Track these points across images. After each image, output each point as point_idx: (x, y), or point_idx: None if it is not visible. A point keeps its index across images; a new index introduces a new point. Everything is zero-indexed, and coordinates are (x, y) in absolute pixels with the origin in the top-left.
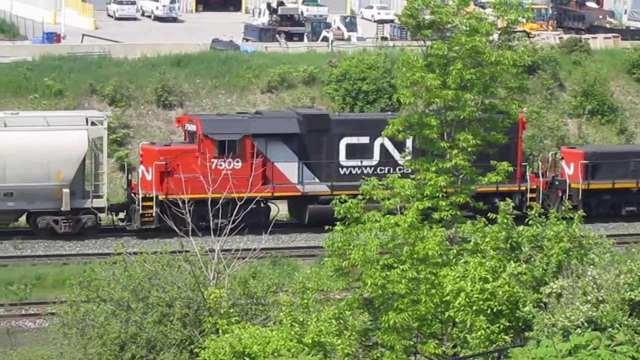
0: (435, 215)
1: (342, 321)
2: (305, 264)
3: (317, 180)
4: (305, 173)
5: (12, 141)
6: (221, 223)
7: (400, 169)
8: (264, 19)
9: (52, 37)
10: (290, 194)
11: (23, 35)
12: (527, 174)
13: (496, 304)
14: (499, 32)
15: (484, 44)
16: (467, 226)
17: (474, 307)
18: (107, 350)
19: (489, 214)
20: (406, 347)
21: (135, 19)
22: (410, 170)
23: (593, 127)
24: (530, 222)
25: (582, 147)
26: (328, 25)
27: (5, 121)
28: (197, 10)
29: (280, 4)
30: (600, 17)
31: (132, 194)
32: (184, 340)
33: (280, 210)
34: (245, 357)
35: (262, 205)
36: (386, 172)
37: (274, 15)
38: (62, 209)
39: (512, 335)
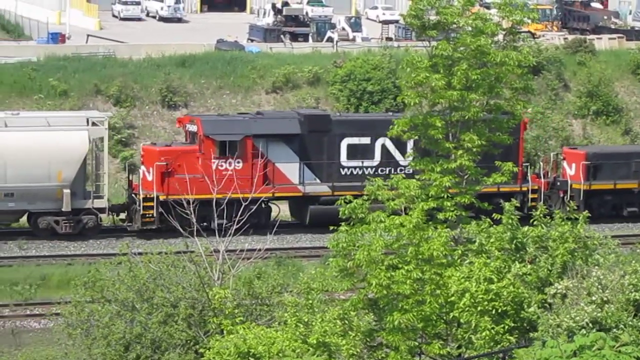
0: (440, 216)
1: (346, 322)
2: (310, 265)
3: (318, 180)
4: (306, 173)
5: (13, 141)
6: (222, 223)
7: (401, 170)
8: (268, 20)
9: (57, 38)
10: (291, 195)
11: (28, 35)
12: (529, 174)
13: (501, 304)
14: (503, 32)
15: (489, 44)
16: (472, 227)
17: (479, 308)
18: (111, 350)
19: (493, 215)
20: (411, 347)
21: (140, 19)
22: (411, 171)
23: (598, 128)
24: (535, 222)
25: (584, 147)
26: (333, 26)
27: (6, 121)
28: (201, 10)
29: (285, 4)
30: (605, 17)
31: (133, 195)
32: (188, 341)
33: (281, 211)
34: (250, 358)
35: (263, 205)
36: (387, 172)
37: (279, 16)
38: (62, 209)
39: (516, 335)
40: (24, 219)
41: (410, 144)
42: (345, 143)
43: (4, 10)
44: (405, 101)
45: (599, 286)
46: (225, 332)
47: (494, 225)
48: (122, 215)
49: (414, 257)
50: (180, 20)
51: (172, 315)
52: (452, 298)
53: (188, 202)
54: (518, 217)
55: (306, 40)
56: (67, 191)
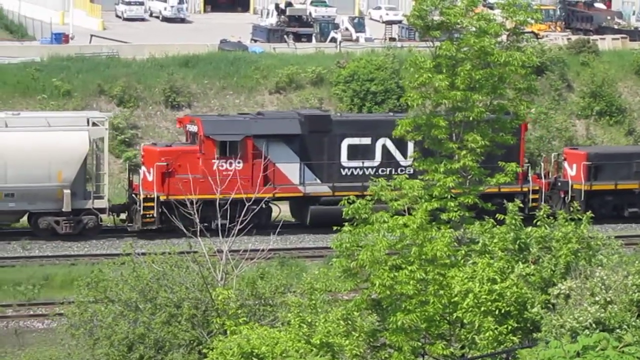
0: (444, 216)
1: (350, 322)
2: (313, 265)
3: (318, 181)
4: (307, 174)
5: (13, 142)
6: (224, 224)
7: (402, 170)
8: (272, 20)
9: (60, 38)
10: (291, 195)
11: (31, 35)
12: (529, 175)
13: (504, 305)
14: (507, 33)
15: (493, 45)
16: (476, 227)
17: (482, 308)
18: (114, 350)
19: (497, 215)
20: (414, 348)
21: (143, 19)
22: (412, 171)
23: (601, 128)
24: (538, 223)
25: (585, 148)
26: (336, 26)
27: (6, 122)
28: (205, 11)
29: (289, 4)
30: (609, 18)
31: (134, 195)
32: (192, 341)
33: (281, 211)
34: (253, 358)
35: (263, 206)
36: (388, 173)
37: (282, 16)
38: (63, 209)
39: (520, 336)
40: (25, 219)
41: (411, 145)
42: (345, 143)
43: (7, 10)
44: (409, 102)
45: (602, 287)
46: (228, 332)
47: (497, 226)
48: (123, 216)
49: (418, 257)
50: (184, 21)
51: (175, 316)
52: (456, 298)
53: (191, 203)
54: (521, 217)
55: (309, 40)
56: (67, 191)
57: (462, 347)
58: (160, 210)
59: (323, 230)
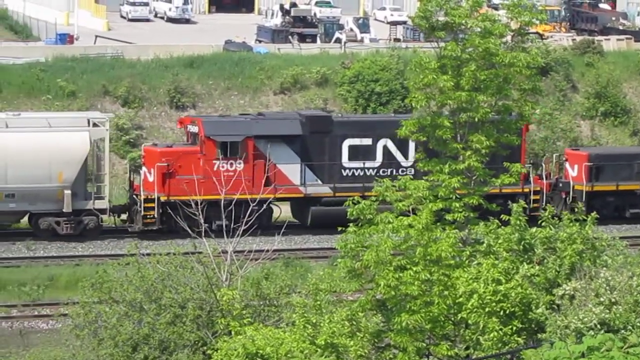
0: (449, 217)
1: (354, 323)
2: (318, 266)
3: (319, 181)
4: (308, 175)
5: (13, 142)
6: (225, 224)
7: (403, 171)
8: (276, 21)
9: (65, 38)
10: (292, 196)
11: (36, 36)
12: (531, 176)
13: (509, 305)
14: (512, 33)
15: (498, 45)
16: (480, 228)
17: (487, 309)
18: (119, 351)
19: (502, 216)
20: (419, 348)
21: (148, 20)
22: (413, 172)
23: (606, 129)
24: (543, 223)
25: (586, 149)
26: (341, 27)
27: (7, 122)
28: (210, 11)
29: (293, 5)
30: (613, 18)
31: (134, 196)
32: (196, 342)
33: (282, 212)
34: (258, 359)
35: (264, 206)
36: (389, 173)
37: (287, 17)
38: (63, 210)
39: (524, 337)
40: (26, 219)
41: (412, 146)
42: (346, 144)
43: (12, 11)
44: (413, 103)
45: (607, 287)
46: (233, 333)
47: (502, 227)
48: (124, 216)
49: (422, 258)
50: (189, 21)
51: (180, 316)
52: (460, 299)
53: (196, 204)
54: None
55: (314, 41)
56: (68, 192)
57: (467, 348)
58: (160, 210)
59: (327, 230)
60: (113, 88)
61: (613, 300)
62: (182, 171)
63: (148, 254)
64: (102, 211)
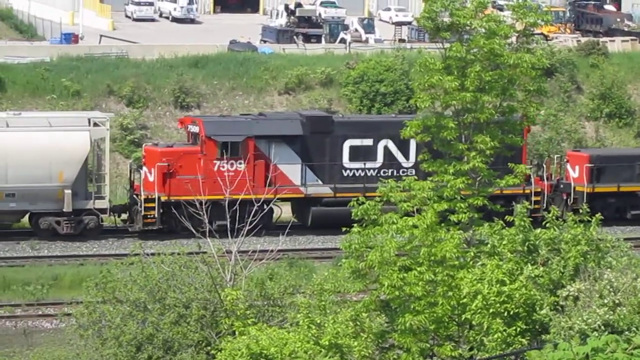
0: (453, 218)
1: (358, 323)
2: (322, 266)
3: (320, 182)
4: (308, 175)
5: (14, 142)
6: (226, 225)
7: (403, 171)
8: (281, 21)
9: (70, 38)
10: (293, 196)
11: (41, 35)
12: (532, 177)
13: (513, 306)
14: (517, 34)
15: (502, 46)
16: (485, 229)
17: (491, 310)
18: (123, 351)
19: (506, 217)
20: (422, 349)
21: (153, 20)
22: (414, 173)
23: (610, 130)
24: (547, 224)
25: (587, 150)
26: (346, 27)
27: (7, 122)
28: (214, 11)
29: (298, 5)
30: (618, 20)
31: (135, 195)
32: (200, 342)
33: (282, 212)
34: (262, 359)
35: (264, 207)
36: (390, 174)
37: (292, 17)
38: (64, 210)
39: (528, 338)
40: (26, 219)
41: (413, 146)
42: (347, 145)
43: (17, 10)
44: (418, 103)
45: (611, 289)
46: (237, 333)
47: (506, 227)
48: (124, 216)
49: (427, 258)
50: (193, 21)
51: (184, 316)
52: (464, 300)
53: (200, 204)
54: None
55: (319, 41)
56: (68, 192)
57: (471, 349)
58: (161, 210)
59: (332, 231)
60: (118, 88)
61: (617, 301)
62: (183, 171)
63: (152, 254)
64: (103, 211)
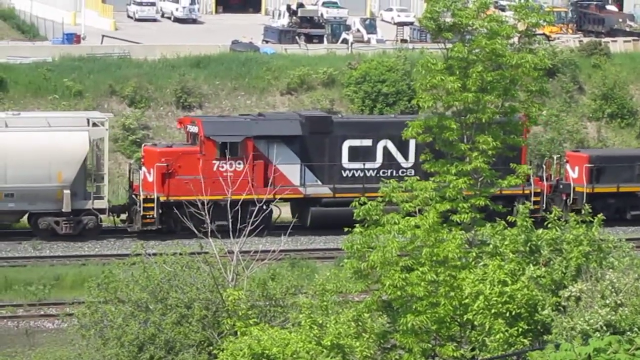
0: (455, 218)
1: (360, 323)
2: (324, 266)
3: (319, 182)
4: (308, 175)
5: (13, 142)
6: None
7: (403, 172)
8: (283, 21)
9: (72, 38)
10: (292, 197)
11: (43, 36)
12: (532, 177)
13: (515, 307)
14: (518, 35)
15: (504, 46)
16: (487, 229)
17: (493, 310)
18: (125, 351)
19: (508, 217)
20: (424, 349)
21: (155, 20)
22: (414, 173)
23: (612, 131)
24: (549, 225)
25: (587, 150)
26: (348, 28)
27: (6, 122)
28: (216, 11)
29: (300, 5)
30: (620, 20)
31: (134, 195)
32: (202, 342)
33: (282, 213)
34: (263, 359)
35: (263, 207)
36: (389, 174)
37: (294, 17)
38: (63, 210)
39: (530, 338)
40: (25, 219)
41: (412, 147)
42: (346, 145)
43: (19, 10)
44: (420, 104)
45: (613, 289)
46: (239, 333)
47: (508, 228)
48: (123, 216)
49: (429, 258)
50: (195, 21)
51: (186, 316)
52: (466, 300)
53: (202, 204)
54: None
55: (321, 41)
56: (67, 192)
57: (473, 349)
58: (160, 211)
59: (333, 231)
60: (120, 88)
61: (619, 302)
62: (182, 171)
63: (154, 254)
64: (102, 211)
